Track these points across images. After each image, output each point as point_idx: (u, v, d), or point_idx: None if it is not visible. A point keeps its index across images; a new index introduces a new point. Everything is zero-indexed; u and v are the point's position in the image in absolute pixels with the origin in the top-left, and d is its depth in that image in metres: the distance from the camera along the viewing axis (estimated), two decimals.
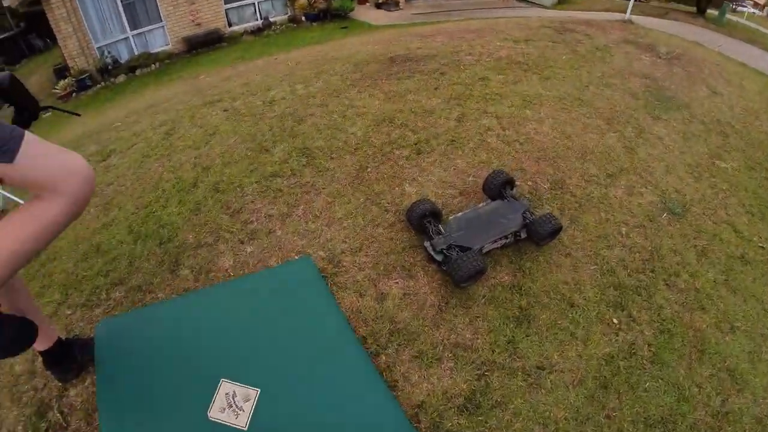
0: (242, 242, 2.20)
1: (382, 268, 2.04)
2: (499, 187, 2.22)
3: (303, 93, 3.63)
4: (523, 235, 2.09)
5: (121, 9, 10.90)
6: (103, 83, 10.39)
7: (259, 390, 1.53)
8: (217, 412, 1.46)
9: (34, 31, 14.40)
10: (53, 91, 10.03)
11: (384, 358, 1.72)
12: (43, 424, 1.59)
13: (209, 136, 3.10)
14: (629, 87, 3.67)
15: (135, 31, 11.32)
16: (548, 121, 2.95)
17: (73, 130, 5.12)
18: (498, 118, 2.97)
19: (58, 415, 1.60)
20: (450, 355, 1.73)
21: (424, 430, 1.53)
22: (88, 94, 10.04)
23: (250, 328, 1.76)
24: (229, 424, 1.43)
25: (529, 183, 2.48)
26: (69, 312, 1.97)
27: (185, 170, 2.74)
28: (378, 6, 15.03)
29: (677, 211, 2.51)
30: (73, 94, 9.97)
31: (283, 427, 1.45)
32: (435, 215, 2.12)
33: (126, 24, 11.09)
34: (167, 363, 1.64)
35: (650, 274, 2.16)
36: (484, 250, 2.03)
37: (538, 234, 2.04)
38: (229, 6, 13.84)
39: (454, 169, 2.56)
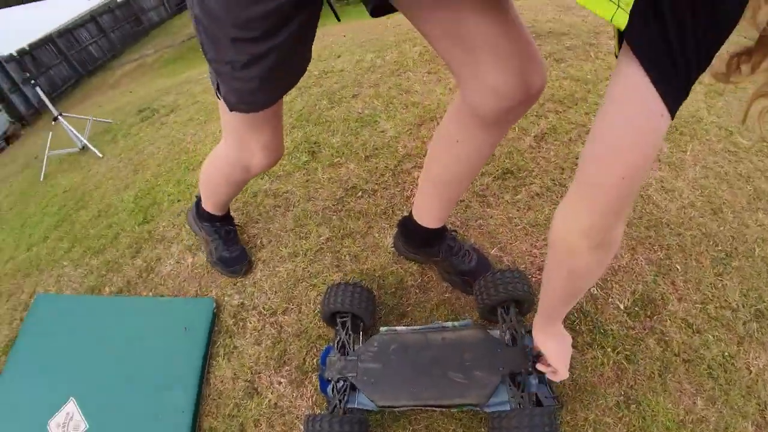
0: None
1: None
2: (495, 303, 1.26)
3: (367, 65, 2.92)
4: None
5: None
6: None
7: (73, 397, 1.55)
8: (53, 428, 1.51)
9: None
10: None
11: None
12: None
13: None
14: None
15: None
16: (689, 175, 1.83)
17: None
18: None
19: None
20: None
21: None
22: None
23: (41, 373, 1.70)
24: None
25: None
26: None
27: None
28: None
29: None
30: None
31: (107, 403, 1.52)
32: (355, 316, 1.35)
33: None
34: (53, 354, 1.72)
35: None
36: (397, 411, 1.24)
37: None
38: None
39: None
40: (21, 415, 1.60)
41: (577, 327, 1.37)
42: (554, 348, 1.04)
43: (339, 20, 1.14)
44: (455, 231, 1.57)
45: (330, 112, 2.43)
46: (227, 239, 1.73)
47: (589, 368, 1.27)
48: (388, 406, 1.19)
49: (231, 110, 1.03)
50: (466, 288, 1.46)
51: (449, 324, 1.28)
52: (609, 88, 0.63)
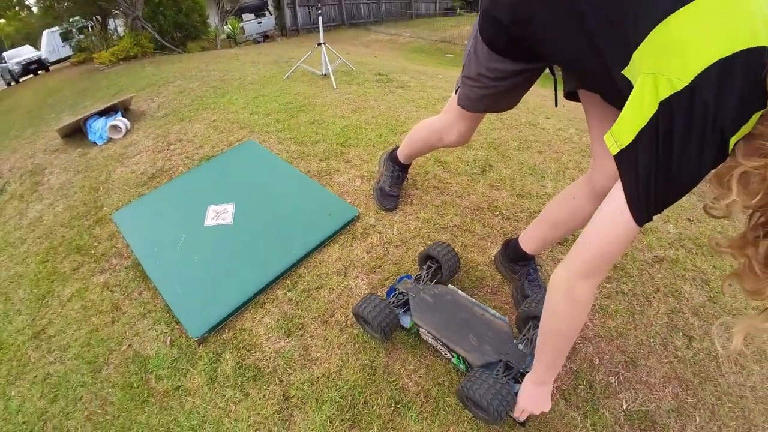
0: None
1: None
2: (528, 315, 1.52)
3: (565, 136, 3.35)
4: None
5: None
6: None
7: (234, 203, 2.30)
8: (210, 221, 2.21)
9: None
10: (465, 42, 12.95)
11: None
12: None
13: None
14: None
15: None
16: None
17: None
18: (707, 302, 2.02)
19: None
20: None
21: None
22: None
23: (221, 180, 2.53)
24: (220, 224, 2.20)
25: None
26: None
27: None
28: None
29: None
30: None
31: (254, 220, 2.22)
32: (440, 266, 1.75)
33: None
34: (170, 211, 2.36)
35: None
36: (421, 332, 1.59)
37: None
38: None
39: None
40: (192, 196, 2.39)
41: (576, 396, 1.52)
42: (528, 394, 1.27)
43: (556, 106, 1.59)
44: (540, 266, 1.93)
45: (515, 152, 2.88)
46: (394, 180, 2.29)
47: (563, 420, 1.45)
48: (417, 325, 1.56)
49: (457, 104, 1.57)
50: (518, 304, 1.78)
51: (492, 310, 1.59)
52: (610, 192, 0.94)
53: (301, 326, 1.78)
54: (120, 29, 13.50)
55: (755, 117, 0.76)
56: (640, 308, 1.82)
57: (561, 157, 2.88)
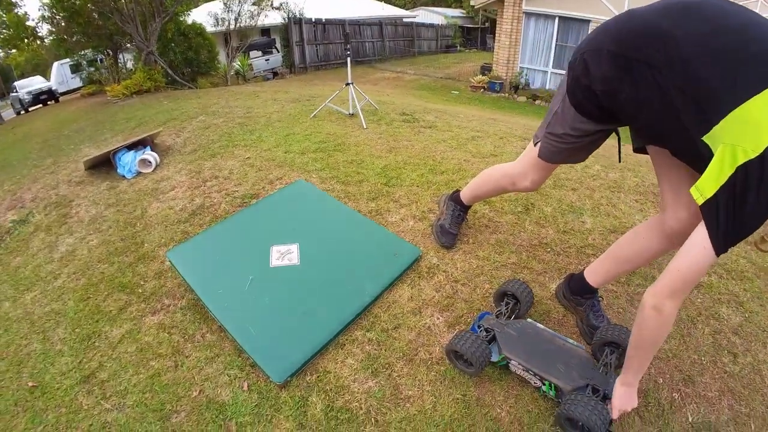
0: None
1: None
2: (603, 341, 1.66)
3: (592, 173, 3.36)
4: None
5: (553, 49, 12.53)
6: (507, 95, 12.74)
7: (298, 243, 2.26)
8: (275, 262, 2.16)
9: (491, 31, 18.68)
10: (470, 79, 13.75)
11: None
12: None
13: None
14: None
15: (555, 69, 12.66)
16: None
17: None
18: (744, 322, 2.12)
19: None
20: None
21: None
22: (491, 96, 12.70)
23: (280, 220, 2.50)
24: (286, 264, 2.15)
25: None
26: None
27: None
28: None
29: None
30: (482, 90, 13.08)
31: (321, 260, 2.19)
32: (517, 301, 1.86)
33: (551, 61, 12.63)
34: (232, 251, 2.28)
35: None
36: (509, 364, 1.67)
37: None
38: None
39: None
40: (253, 236, 2.35)
41: (648, 413, 1.64)
42: (619, 395, 1.45)
43: (620, 161, 1.85)
44: (602, 298, 1.96)
45: (551, 190, 2.98)
46: (455, 219, 2.34)
47: None
48: (507, 358, 1.64)
49: (538, 155, 1.66)
50: (588, 339, 1.85)
51: (571, 340, 1.71)
52: (694, 231, 1.16)
53: (387, 366, 1.75)
54: (129, 63, 13.69)
55: None
56: (687, 331, 1.99)
57: (593, 194, 3.01)
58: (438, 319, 1.94)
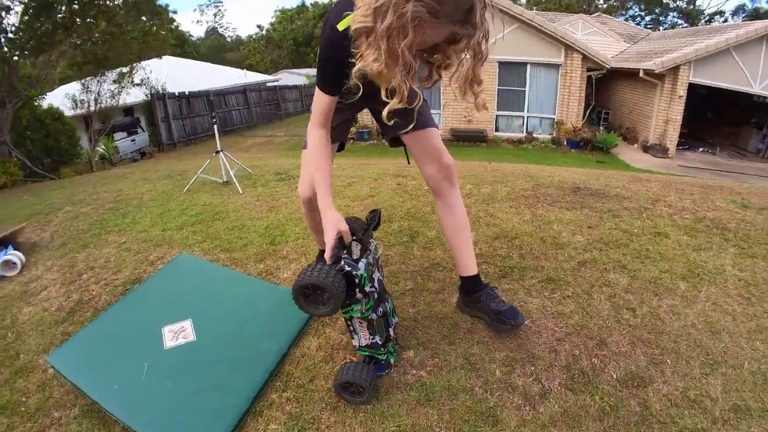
0: None
1: None
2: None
3: (465, 192, 3.68)
4: None
5: None
6: (376, 141, 13.14)
7: (190, 318, 2.16)
8: (170, 343, 2.05)
9: None
10: None
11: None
12: None
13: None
14: None
15: None
16: (697, 308, 2.25)
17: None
18: (632, 280, 2.42)
19: None
20: None
21: None
22: (362, 145, 13.30)
23: (167, 298, 2.38)
24: (182, 343, 2.05)
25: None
26: None
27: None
28: (645, 149, 14.19)
29: None
30: (351, 141, 13.55)
31: (218, 331, 2.11)
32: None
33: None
34: (119, 342, 2.12)
35: None
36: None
37: None
38: (500, 113, 14.78)
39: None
40: (139, 322, 2.21)
41: (576, 384, 1.77)
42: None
43: (408, 163, 2.07)
44: (496, 287, 2.17)
45: (431, 215, 3.21)
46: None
47: (578, 406, 1.68)
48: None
49: None
50: (497, 330, 2.00)
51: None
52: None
53: (312, 420, 1.72)
54: None
55: None
56: (587, 303, 2.25)
57: (470, 210, 3.26)
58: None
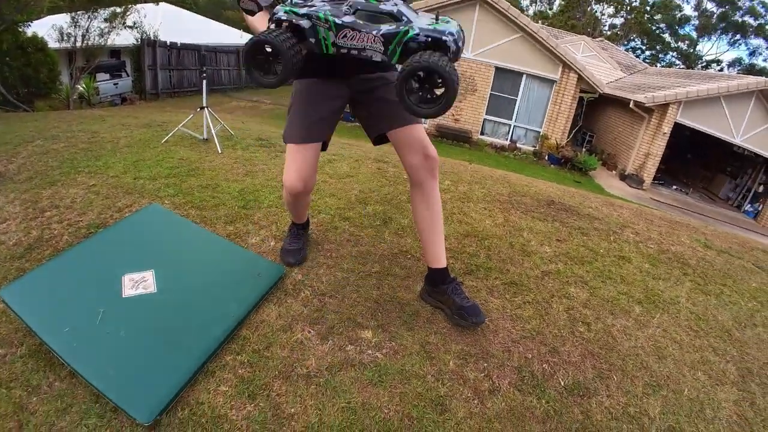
0: None
1: None
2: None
3: (444, 188, 3.73)
4: None
5: None
6: None
7: (153, 270, 2.10)
8: (128, 291, 1.99)
9: None
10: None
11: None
12: None
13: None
14: None
15: None
16: (648, 332, 2.33)
17: None
18: (591, 297, 2.50)
19: None
20: None
21: None
22: (347, 125, 12.83)
23: (131, 247, 2.32)
24: (141, 293, 1.99)
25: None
26: None
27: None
28: (622, 177, 14.55)
29: None
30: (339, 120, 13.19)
31: (180, 286, 2.08)
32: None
33: None
34: (76, 285, 2.05)
35: None
36: None
37: None
38: (488, 117, 14.89)
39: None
40: (100, 266, 2.15)
41: (525, 386, 1.83)
42: None
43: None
44: (462, 282, 2.22)
45: (406, 204, 3.25)
46: (293, 236, 2.45)
47: (524, 407, 1.74)
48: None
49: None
50: (458, 323, 2.04)
51: None
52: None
53: (263, 387, 1.70)
54: None
55: None
56: (545, 311, 2.32)
57: (446, 205, 3.33)
58: (310, 332, 1.97)
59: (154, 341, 1.81)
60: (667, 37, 40.85)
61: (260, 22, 1.79)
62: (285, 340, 1.93)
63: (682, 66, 37.98)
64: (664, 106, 13.70)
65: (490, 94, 14.72)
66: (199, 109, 4.96)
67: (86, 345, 1.76)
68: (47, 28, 12.53)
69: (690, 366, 2.14)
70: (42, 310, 1.90)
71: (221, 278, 2.17)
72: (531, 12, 42.88)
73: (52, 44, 12.68)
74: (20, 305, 1.89)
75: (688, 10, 40.68)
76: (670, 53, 41.67)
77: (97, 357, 1.72)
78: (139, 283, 2.04)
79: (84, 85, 13.88)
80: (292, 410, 1.64)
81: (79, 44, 12.98)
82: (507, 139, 15.15)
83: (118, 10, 13.52)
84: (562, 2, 39.33)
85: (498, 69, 14.27)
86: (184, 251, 2.34)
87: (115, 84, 16.24)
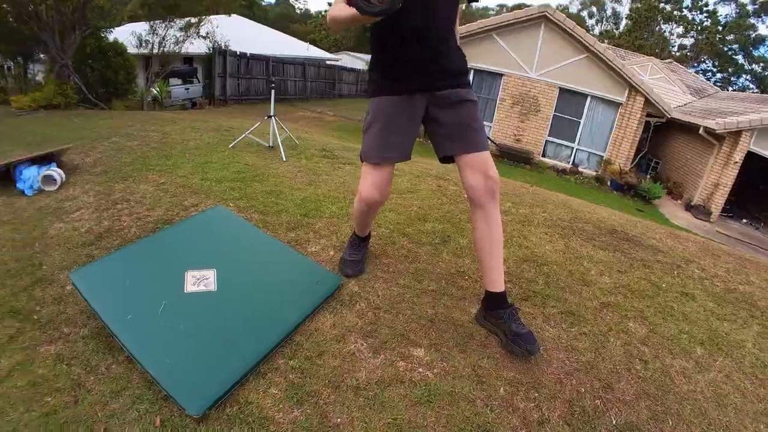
0: None
1: None
2: None
3: (503, 210, 3.67)
4: None
5: None
6: (423, 140, 13.10)
7: (215, 269, 2.17)
8: (191, 287, 2.07)
9: None
10: None
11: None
12: None
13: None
14: None
15: None
16: (708, 377, 2.17)
17: None
18: (650, 333, 2.38)
19: None
20: None
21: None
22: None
23: (195, 245, 2.41)
24: (202, 290, 2.07)
25: None
26: None
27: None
28: (687, 208, 13.82)
29: None
30: None
31: (240, 287, 2.15)
32: None
33: None
34: (142, 275, 2.17)
35: None
36: None
37: None
38: (550, 139, 14.63)
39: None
40: (166, 261, 2.26)
41: (575, 420, 1.78)
42: None
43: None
44: (519, 308, 2.19)
45: (466, 224, 3.23)
46: (353, 248, 2.49)
47: None
48: None
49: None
50: (513, 351, 2.00)
51: None
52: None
53: (312, 394, 1.73)
54: (40, 75, 12.87)
55: None
56: (601, 344, 2.22)
57: (506, 227, 3.25)
58: (362, 345, 1.99)
59: (211, 337, 1.88)
60: (740, 58, 38.88)
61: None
62: (337, 349, 1.95)
63: (756, 90, 36.01)
64: (736, 133, 12.90)
65: (554, 115, 14.44)
66: (266, 118, 5.14)
67: (147, 333, 1.85)
68: (127, 35, 13.54)
69: (752, 417, 1.97)
70: (107, 295, 2.01)
71: (281, 283, 2.24)
72: (597, 32, 41.94)
73: (131, 50, 13.59)
74: (87, 289, 2.01)
75: (763, 29, 38.55)
76: (744, 76, 39.62)
77: (155, 346, 1.80)
78: (200, 281, 2.13)
79: (158, 89, 14.72)
80: (338, 420, 1.65)
81: (155, 50, 13.93)
82: (569, 162, 14.77)
83: (193, 20, 14.33)
84: (629, 22, 38.26)
85: (562, 90, 13.99)
86: (245, 253, 2.43)
87: (186, 89, 17.09)
